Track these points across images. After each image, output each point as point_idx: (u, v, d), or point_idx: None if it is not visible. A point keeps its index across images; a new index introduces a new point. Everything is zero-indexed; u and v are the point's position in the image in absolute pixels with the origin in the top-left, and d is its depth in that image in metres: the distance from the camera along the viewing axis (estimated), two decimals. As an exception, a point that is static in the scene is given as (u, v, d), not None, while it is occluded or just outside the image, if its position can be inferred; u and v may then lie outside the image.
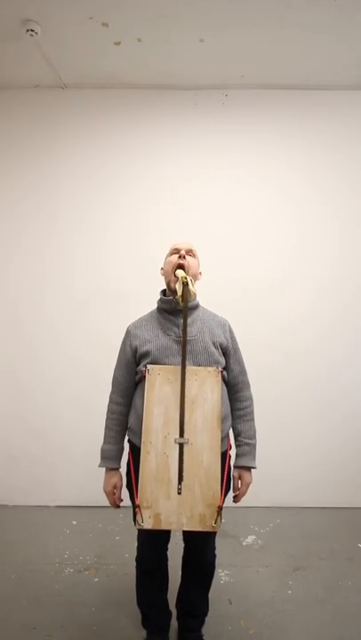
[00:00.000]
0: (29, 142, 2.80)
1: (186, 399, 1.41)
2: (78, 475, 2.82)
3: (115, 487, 1.57)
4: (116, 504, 1.57)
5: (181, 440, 1.39)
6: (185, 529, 1.38)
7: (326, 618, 1.88)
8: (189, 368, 1.44)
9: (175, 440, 1.39)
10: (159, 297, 1.61)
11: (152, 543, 1.58)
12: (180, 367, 1.42)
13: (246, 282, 2.80)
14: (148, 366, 1.46)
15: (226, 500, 1.54)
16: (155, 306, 1.63)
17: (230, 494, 1.57)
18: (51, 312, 2.83)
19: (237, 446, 1.60)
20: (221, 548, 2.13)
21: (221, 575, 2.15)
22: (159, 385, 1.43)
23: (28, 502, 2.85)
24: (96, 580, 2.13)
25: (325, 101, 2.78)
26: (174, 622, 1.75)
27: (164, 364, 1.47)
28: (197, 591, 1.70)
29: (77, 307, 2.82)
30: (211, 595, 1.73)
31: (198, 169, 2.79)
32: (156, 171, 2.79)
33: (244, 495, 1.58)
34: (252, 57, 2.48)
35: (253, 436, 1.61)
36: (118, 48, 2.40)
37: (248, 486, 1.57)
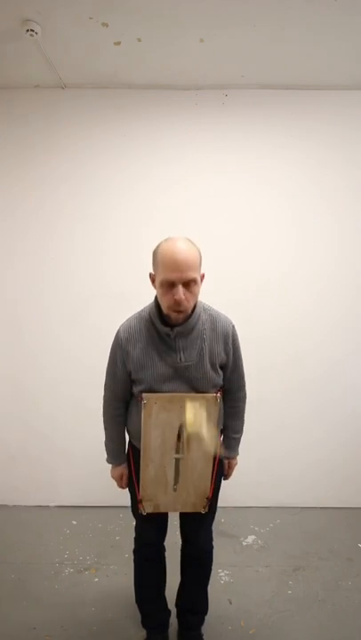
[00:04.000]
0: (29, 142, 2.79)
1: (182, 426, 1.45)
2: (78, 475, 2.82)
3: (122, 475, 1.65)
4: (123, 487, 1.67)
5: (178, 456, 1.48)
6: (179, 511, 1.58)
7: (326, 618, 1.88)
8: (187, 395, 1.43)
9: (172, 456, 1.48)
10: (153, 308, 1.45)
11: (150, 521, 1.62)
12: (176, 395, 1.43)
13: (246, 282, 2.80)
14: (144, 396, 1.42)
15: (224, 499, 1.66)
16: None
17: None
18: (51, 312, 2.83)
19: (225, 438, 1.67)
20: (221, 547, 2.14)
21: (221, 575, 2.15)
22: (156, 413, 1.44)
23: (27, 502, 2.85)
24: (96, 580, 2.13)
25: (325, 101, 2.78)
26: (174, 621, 1.75)
27: (160, 390, 1.44)
28: (196, 585, 1.70)
29: (77, 307, 2.82)
30: (211, 595, 1.74)
31: (198, 169, 2.79)
32: (157, 171, 2.79)
33: (232, 474, 1.73)
34: (252, 57, 2.48)
35: (240, 430, 1.71)
36: (118, 48, 2.40)
37: (235, 467, 1.72)
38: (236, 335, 1.55)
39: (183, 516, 1.66)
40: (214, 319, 1.50)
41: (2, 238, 2.83)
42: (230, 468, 1.70)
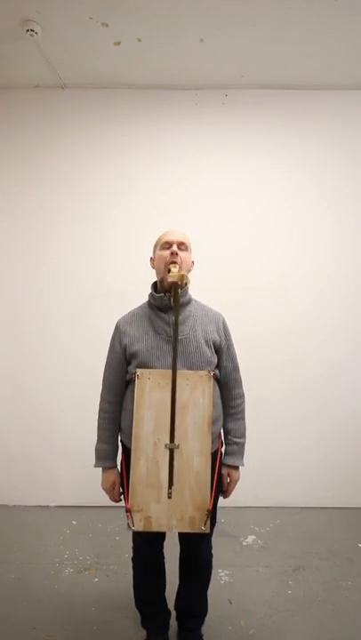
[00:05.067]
0: (29, 142, 2.80)
1: (177, 404, 1.40)
2: (78, 475, 2.82)
3: (114, 484, 1.57)
4: (116, 500, 1.58)
5: (172, 445, 1.39)
6: (175, 531, 1.41)
7: (326, 618, 1.88)
8: (180, 372, 1.42)
9: (165, 445, 1.39)
10: (150, 291, 1.57)
11: (147, 540, 1.58)
12: (170, 371, 1.40)
13: (246, 282, 2.80)
14: (138, 371, 1.43)
15: (221, 499, 1.58)
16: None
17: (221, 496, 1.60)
18: (51, 312, 2.83)
19: (226, 444, 1.61)
20: (221, 548, 2.13)
21: (221, 575, 2.14)
22: (149, 390, 1.41)
23: (27, 502, 2.85)
24: (96, 579, 2.13)
25: (325, 101, 2.78)
26: (174, 622, 1.75)
27: (153, 367, 1.44)
28: (196, 590, 1.70)
29: (77, 307, 2.82)
30: (211, 595, 1.73)
31: (198, 169, 2.79)
32: (156, 171, 2.79)
33: (232, 492, 1.61)
34: (252, 57, 2.48)
35: (243, 435, 1.62)
36: (118, 48, 2.40)
37: (236, 483, 1.61)
38: (227, 325, 1.62)
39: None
40: (205, 308, 1.62)
41: (2, 238, 2.83)
42: (231, 482, 1.59)
